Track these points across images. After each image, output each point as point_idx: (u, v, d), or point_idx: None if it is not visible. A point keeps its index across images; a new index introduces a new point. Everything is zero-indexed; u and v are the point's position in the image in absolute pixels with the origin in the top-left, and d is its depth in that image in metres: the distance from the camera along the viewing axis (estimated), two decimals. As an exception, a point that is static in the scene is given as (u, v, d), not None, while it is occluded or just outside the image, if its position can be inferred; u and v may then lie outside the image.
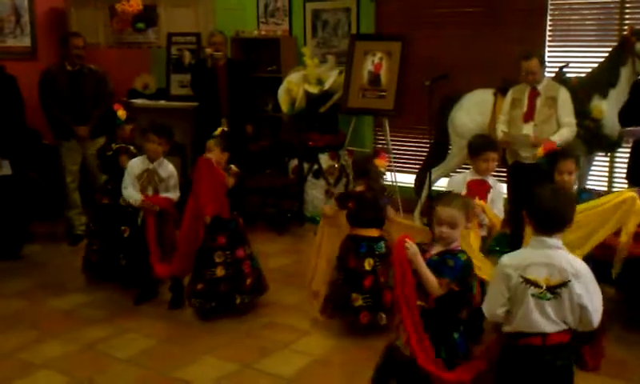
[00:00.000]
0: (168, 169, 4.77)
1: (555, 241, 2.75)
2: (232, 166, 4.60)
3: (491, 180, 4.18)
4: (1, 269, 5.55)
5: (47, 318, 4.66)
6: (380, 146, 7.04)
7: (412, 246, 2.91)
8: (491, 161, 4.16)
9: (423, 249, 2.99)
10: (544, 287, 2.69)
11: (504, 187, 4.24)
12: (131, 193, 4.70)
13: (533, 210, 2.81)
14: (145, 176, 4.73)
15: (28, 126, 6.08)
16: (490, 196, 4.12)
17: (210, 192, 4.43)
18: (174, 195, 4.79)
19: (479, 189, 4.12)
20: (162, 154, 4.76)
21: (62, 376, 3.89)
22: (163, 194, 4.74)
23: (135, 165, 4.76)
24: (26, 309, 4.83)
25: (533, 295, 2.69)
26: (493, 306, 2.79)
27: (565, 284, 2.69)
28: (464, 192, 4.11)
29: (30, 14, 7.10)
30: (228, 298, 4.55)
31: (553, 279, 2.69)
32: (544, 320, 2.71)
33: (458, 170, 5.80)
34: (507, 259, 2.80)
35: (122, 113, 5.05)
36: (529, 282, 2.70)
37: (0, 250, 5.78)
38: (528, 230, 3.92)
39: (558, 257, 2.73)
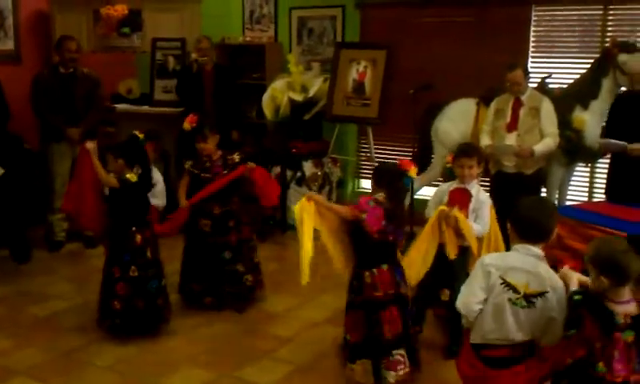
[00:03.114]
0: (154, 176, 4.72)
1: (539, 250, 2.78)
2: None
3: (474, 189, 4.13)
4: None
5: (25, 325, 4.61)
6: (363, 154, 7.06)
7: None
8: (466, 168, 4.08)
9: None
10: (522, 294, 2.72)
11: (486, 197, 4.18)
12: None
13: (516, 220, 2.84)
14: None
15: (9, 130, 6.02)
16: (471, 205, 4.08)
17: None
18: (160, 202, 4.75)
19: (460, 197, 4.10)
20: (152, 159, 4.72)
21: (38, 383, 3.85)
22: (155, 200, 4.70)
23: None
24: (3, 315, 4.78)
25: (509, 300, 2.72)
26: (470, 301, 2.81)
27: (542, 294, 2.72)
28: (445, 200, 4.13)
29: (13, 17, 7.04)
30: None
31: (531, 287, 2.72)
32: (516, 327, 2.74)
33: (440, 180, 5.80)
34: (489, 258, 2.84)
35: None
36: (508, 285, 2.72)
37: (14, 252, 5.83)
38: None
39: (539, 266, 2.76)
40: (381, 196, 3.78)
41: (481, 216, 4.06)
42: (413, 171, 3.87)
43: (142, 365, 4.09)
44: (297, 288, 4.69)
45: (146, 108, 7.20)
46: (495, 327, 2.76)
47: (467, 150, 4.19)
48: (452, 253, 3.92)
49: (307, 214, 3.70)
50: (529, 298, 2.71)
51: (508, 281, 2.72)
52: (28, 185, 6.15)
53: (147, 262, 4.36)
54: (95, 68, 6.32)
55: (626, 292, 2.56)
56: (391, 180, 3.85)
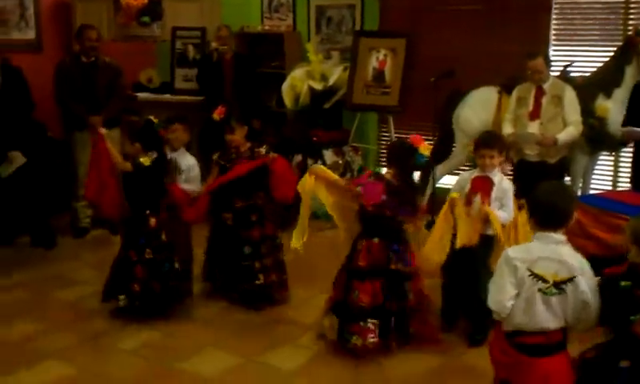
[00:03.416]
0: (188, 160, 4.73)
1: (561, 236, 2.77)
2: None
3: (497, 177, 4.10)
4: (6, 260, 5.55)
5: (52, 310, 4.68)
6: (384, 142, 7.05)
7: None
8: (487, 158, 4.05)
9: None
10: (551, 282, 2.70)
11: (510, 184, 4.15)
12: None
13: (535, 206, 2.83)
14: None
15: (33, 118, 6.08)
16: (493, 193, 4.06)
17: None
18: (195, 188, 4.73)
19: (482, 185, 4.07)
20: (183, 143, 4.76)
21: (66, 366, 3.93)
22: (185, 186, 4.67)
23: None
24: (31, 300, 4.85)
25: (539, 290, 2.70)
26: (502, 299, 2.75)
27: (571, 280, 2.70)
28: (468, 188, 4.13)
29: (34, 6, 7.08)
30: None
31: (560, 275, 2.70)
32: (548, 315, 2.72)
33: (463, 168, 5.80)
34: (514, 252, 2.80)
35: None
36: (536, 276, 2.70)
37: (36, 239, 5.91)
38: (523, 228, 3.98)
39: (565, 252, 2.74)
40: (389, 173, 4.01)
41: (506, 204, 4.04)
42: (424, 148, 4.00)
43: (167, 349, 4.14)
44: (318, 276, 4.77)
45: (167, 96, 7.25)
46: (527, 319, 2.73)
47: (488, 141, 4.15)
48: (461, 241, 3.91)
49: (307, 187, 4.11)
50: (558, 286, 2.70)
51: (536, 272, 2.70)
52: (52, 173, 6.20)
53: (161, 244, 4.42)
54: (115, 57, 6.35)
55: None
56: (400, 156, 4.08)
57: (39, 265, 5.50)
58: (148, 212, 4.40)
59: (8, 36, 6.82)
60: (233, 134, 4.66)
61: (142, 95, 7.18)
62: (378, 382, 3.83)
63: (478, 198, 4.04)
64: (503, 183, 4.11)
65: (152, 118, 4.51)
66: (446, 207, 4.00)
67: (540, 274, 2.70)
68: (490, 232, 4.01)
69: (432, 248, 4.00)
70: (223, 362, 3.98)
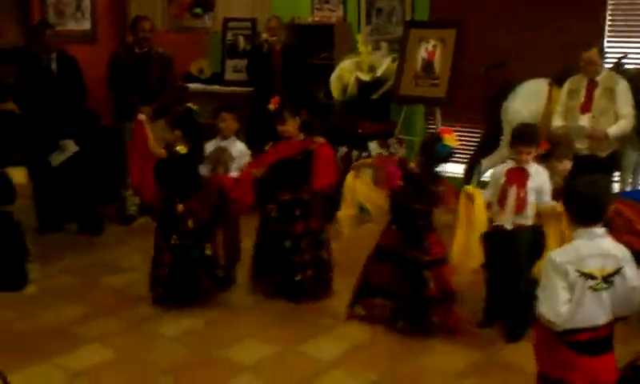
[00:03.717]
0: (239, 148, 4.77)
1: (601, 230, 2.71)
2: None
3: (532, 168, 4.05)
4: (55, 246, 5.72)
5: (98, 295, 4.81)
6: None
7: None
8: (525, 154, 4.02)
9: None
10: (600, 278, 2.65)
11: (547, 175, 4.09)
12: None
13: (572, 202, 2.76)
14: (215, 154, 4.74)
15: (87, 107, 6.24)
16: (529, 183, 4.01)
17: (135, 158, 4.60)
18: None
19: (518, 177, 4.04)
20: (234, 131, 4.81)
21: (107, 350, 4.03)
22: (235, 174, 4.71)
23: (208, 145, 4.80)
24: (77, 285, 4.99)
25: (590, 287, 2.65)
26: (555, 305, 2.64)
27: (618, 271, 2.67)
28: (502, 181, 4.08)
29: (90, -2, 7.27)
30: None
31: (607, 268, 2.66)
32: (599, 310, 2.68)
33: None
34: (560, 255, 2.67)
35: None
36: (586, 275, 2.64)
37: (84, 225, 6.05)
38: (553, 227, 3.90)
39: (607, 245, 2.70)
40: (415, 161, 4.19)
41: (546, 191, 4.02)
42: (449, 139, 4.05)
43: (208, 337, 4.21)
44: (357, 268, 4.75)
45: (216, 87, 7.35)
46: (578, 318, 2.67)
47: (525, 136, 4.09)
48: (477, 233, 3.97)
49: (348, 188, 4.41)
50: (607, 280, 2.66)
51: (585, 271, 2.64)
52: (103, 161, 6.36)
53: (188, 231, 4.47)
54: (168, 48, 6.46)
55: None
56: (425, 146, 4.21)
57: (87, 251, 5.65)
58: (177, 199, 4.47)
59: (64, 26, 7.01)
60: (285, 125, 4.61)
61: (192, 86, 7.29)
62: (415, 375, 3.82)
63: (513, 190, 4.01)
64: (539, 174, 4.07)
65: (191, 105, 4.58)
66: (462, 203, 4.00)
67: (589, 272, 2.64)
68: (528, 222, 4.01)
69: (461, 252, 4.00)
70: (262, 351, 4.03)
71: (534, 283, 3.84)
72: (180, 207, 4.47)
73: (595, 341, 2.70)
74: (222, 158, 4.74)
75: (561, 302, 2.63)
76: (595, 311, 2.67)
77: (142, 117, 4.58)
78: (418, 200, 4.11)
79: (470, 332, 4.21)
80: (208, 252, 4.56)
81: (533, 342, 2.88)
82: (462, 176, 6.26)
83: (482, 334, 4.21)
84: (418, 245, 4.13)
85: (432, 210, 4.18)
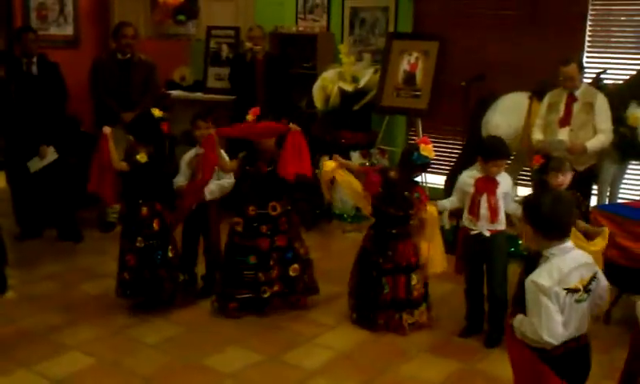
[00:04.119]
0: (221, 154, 4.73)
1: (570, 242, 2.75)
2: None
3: (499, 175, 4.21)
4: (35, 252, 5.68)
5: (78, 302, 4.77)
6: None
7: None
8: (500, 167, 4.18)
9: None
10: (582, 289, 2.70)
11: (509, 180, 4.32)
12: (177, 179, 4.78)
13: (542, 221, 2.72)
14: (195, 161, 4.74)
15: (68, 113, 6.20)
16: (499, 190, 4.16)
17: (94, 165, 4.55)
18: (226, 182, 4.76)
19: (487, 186, 4.17)
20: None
21: (88, 357, 4.01)
22: (213, 182, 4.70)
23: (188, 154, 4.84)
24: (57, 292, 4.95)
25: (575, 301, 2.69)
26: (555, 328, 2.64)
27: (594, 277, 2.74)
28: (472, 190, 4.19)
29: (73, 3, 7.24)
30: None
31: (585, 278, 2.71)
32: (584, 320, 2.75)
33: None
34: (546, 279, 2.64)
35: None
36: (571, 291, 2.67)
37: (63, 233, 6.02)
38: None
39: (579, 255, 2.75)
40: (395, 170, 4.37)
41: (511, 195, 4.27)
42: (426, 149, 4.22)
43: (189, 345, 4.20)
44: (341, 276, 4.78)
45: (199, 95, 7.34)
46: (567, 333, 2.71)
47: (498, 152, 4.21)
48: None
49: (327, 168, 4.59)
50: (587, 289, 2.72)
51: (570, 288, 2.67)
52: (83, 167, 6.30)
53: (153, 233, 4.49)
54: (151, 54, 6.45)
55: None
56: (403, 154, 4.40)
57: (67, 258, 5.62)
58: (141, 201, 4.49)
59: (47, 31, 6.98)
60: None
61: (174, 93, 7.29)
62: (397, 384, 3.85)
63: (484, 198, 4.14)
64: (506, 179, 4.27)
65: (154, 109, 4.60)
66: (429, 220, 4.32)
67: (574, 287, 2.68)
68: (502, 227, 4.18)
69: (429, 254, 4.36)
70: (244, 360, 4.02)
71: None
72: (144, 209, 4.48)
73: (577, 348, 2.75)
74: (200, 165, 4.72)
75: (558, 323, 2.64)
76: (581, 322, 2.73)
77: (106, 130, 4.51)
78: (392, 204, 4.31)
79: (451, 342, 4.29)
80: (170, 254, 4.57)
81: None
82: (442, 187, 6.32)
83: (463, 344, 4.27)
84: (384, 252, 4.35)
85: (407, 219, 4.33)
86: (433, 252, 4.39)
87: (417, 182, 4.47)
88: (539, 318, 2.63)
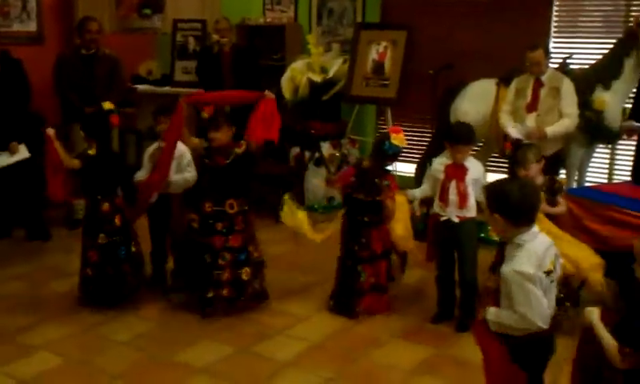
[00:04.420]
0: (179, 148, 4.68)
1: (536, 227, 2.77)
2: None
3: (469, 162, 4.25)
4: (3, 252, 5.60)
5: (47, 301, 4.70)
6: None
7: (590, 313, 2.63)
8: (464, 153, 4.20)
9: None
10: (553, 269, 2.72)
11: (479, 167, 4.33)
12: (139, 173, 4.76)
13: (510, 209, 2.70)
14: (156, 155, 4.70)
15: (32, 110, 6.09)
16: (468, 177, 4.19)
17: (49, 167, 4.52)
18: (189, 175, 4.71)
19: (456, 172, 4.20)
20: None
21: (59, 357, 3.94)
22: (176, 175, 4.66)
23: (150, 148, 4.82)
24: (26, 291, 4.88)
25: (551, 281, 2.71)
26: (545, 312, 2.65)
27: (557, 256, 2.77)
28: (442, 176, 4.23)
29: (36, -2, 7.10)
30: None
31: (553, 259, 2.73)
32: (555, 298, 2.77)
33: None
34: (528, 266, 2.63)
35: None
36: (547, 272, 2.69)
37: (31, 232, 5.95)
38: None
39: (545, 238, 2.77)
40: (367, 158, 4.45)
41: (483, 183, 4.13)
42: (397, 138, 4.27)
43: (160, 340, 4.16)
44: (311, 268, 4.78)
45: (166, 89, 7.27)
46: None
47: (462, 138, 4.22)
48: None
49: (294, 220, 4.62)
50: (555, 269, 2.74)
51: (547, 270, 2.69)
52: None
53: (115, 229, 4.46)
54: (116, 49, 6.36)
55: None
56: (374, 144, 4.46)
57: (35, 257, 5.54)
58: (100, 197, 4.46)
59: (9, 28, 6.83)
60: (217, 131, 4.37)
61: (141, 87, 7.20)
62: (371, 372, 3.84)
63: (453, 185, 4.18)
64: (476, 166, 4.30)
65: (106, 103, 4.59)
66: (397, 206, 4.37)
67: (548, 269, 2.70)
68: (472, 214, 4.20)
69: (397, 233, 4.46)
70: (216, 353, 3.99)
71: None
72: (106, 205, 4.45)
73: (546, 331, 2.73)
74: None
75: (546, 308, 2.66)
76: (554, 301, 2.75)
77: (50, 131, 4.47)
78: (362, 191, 4.35)
79: (423, 328, 4.31)
80: (133, 249, 4.54)
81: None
82: (413, 175, 6.33)
83: (435, 330, 4.29)
84: (358, 239, 4.38)
85: (377, 206, 4.35)
86: (399, 233, 4.47)
87: (388, 171, 4.49)
88: (529, 307, 2.61)
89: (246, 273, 4.43)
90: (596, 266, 3.99)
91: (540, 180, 4.14)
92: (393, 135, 4.31)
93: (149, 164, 4.74)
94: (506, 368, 2.73)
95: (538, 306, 2.62)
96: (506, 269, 2.66)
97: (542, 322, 2.64)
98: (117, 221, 4.47)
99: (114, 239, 4.46)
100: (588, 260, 3.98)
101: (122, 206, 4.52)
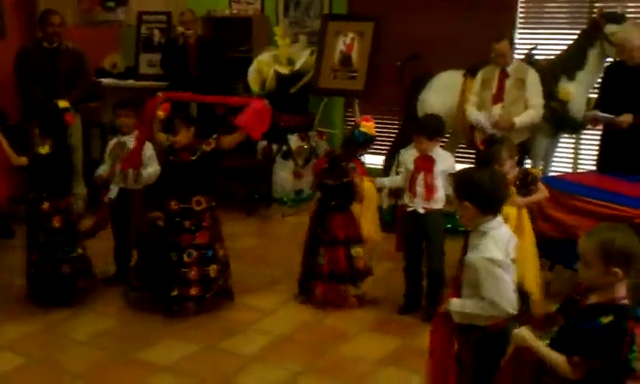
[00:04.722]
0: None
1: (500, 217, 2.77)
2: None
3: (437, 153, 4.25)
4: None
5: (4, 300, 4.58)
6: (350, 127, 7.01)
7: (522, 331, 2.42)
8: (426, 144, 4.20)
9: (575, 299, 2.39)
10: (514, 261, 2.72)
11: (449, 158, 4.35)
12: (101, 167, 4.72)
13: (481, 196, 2.68)
14: (115, 149, 4.67)
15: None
16: (436, 169, 4.20)
17: None
18: (152, 169, 4.64)
19: (425, 164, 4.22)
20: (132, 127, 4.67)
21: (18, 357, 3.85)
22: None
23: (110, 142, 4.79)
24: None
25: (513, 270, 2.70)
26: (513, 298, 2.64)
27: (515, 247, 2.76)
28: (411, 167, 4.24)
29: (-4, -8, 6.95)
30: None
31: (514, 248, 2.73)
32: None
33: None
34: (496, 253, 2.62)
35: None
36: (512, 260, 2.70)
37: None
38: None
39: (506, 228, 2.79)
40: (339, 149, 4.57)
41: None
42: (367, 126, 4.34)
43: (123, 338, 4.09)
44: (280, 261, 4.74)
45: (131, 82, 7.17)
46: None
47: (422, 129, 4.27)
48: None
49: None
50: (513, 261, 2.72)
51: (512, 257, 2.70)
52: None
53: (54, 229, 4.37)
54: (79, 42, 6.26)
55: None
56: (346, 134, 4.57)
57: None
58: (45, 195, 4.38)
59: (-31, 23, 6.69)
60: (176, 135, 4.29)
61: (105, 81, 7.09)
62: (338, 364, 3.82)
63: (421, 176, 4.20)
64: (446, 158, 4.30)
65: (61, 101, 4.51)
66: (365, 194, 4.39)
67: (512, 256, 2.70)
68: (439, 206, 4.23)
69: (367, 228, 4.42)
70: (180, 351, 3.93)
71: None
72: (46, 205, 4.37)
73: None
74: (121, 153, 4.64)
75: (514, 294, 2.66)
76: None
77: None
78: (331, 176, 4.43)
79: (391, 319, 4.31)
80: (80, 251, 4.47)
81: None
82: (381, 167, 6.32)
83: (402, 321, 4.29)
84: (321, 223, 4.45)
85: (345, 190, 4.40)
86: (366, 221, 4.44)
87: (355, 155, 4.50)
88: (499, 293, 2.59)
89: (213, 270, 4.35)
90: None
91: (513, 173, 4.13)
92: (363, 123, 4.38)
93: (109, 159, 4.69)
94: (451, 363, 2.74)
95: (506, 292, 2.62)
96: (473, 256, 2.64)
97: (512, 308, 2.63)
98: (55, 222, 4.37)
99: (53, 239, 4.37)
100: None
101: (66, 208, 4.44)
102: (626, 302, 2.26)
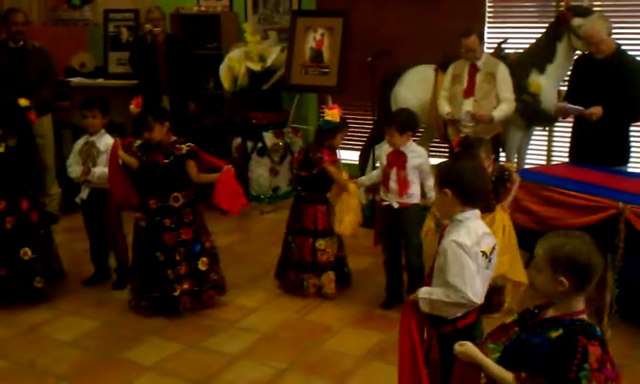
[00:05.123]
0: (107, 141, 4.58)
1: (478, 210, 2.73)
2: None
3: (409, 148, 4.29)
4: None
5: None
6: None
7: (465, 347, 2.32)
8: (396, 138, 4.23)
9: (533, 311, 2.29)
10: (488, 256, 2.64)
11: (422, 152, 4.36)
12: (72, 168, 4.65)
13: (464, 187, 2.66)
14: (84, 150, 4.63)
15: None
16: (408, 163, 4.25)
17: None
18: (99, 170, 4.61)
19: (396, 159, 4.28)
20: (99, 126, 4.63)
21: (3, 360, 3.81)
22: (101, 168, 4.56)
23: (78, 142, 4.73)
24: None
25: (484, 267, 2.63)
26: (477, 287, 2.58)
27: (494, 248, 2.68)
28: (384, 163, 4.32)
29: (-42, -10, 6.81)
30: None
31: (490, 246, 2.66)
32: (484, 289, 2.66)
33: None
34: (467, 239, 2.58)
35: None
36: (484, 254, 2.62)
37: None
38: None
39: (484, 224, 2.73)
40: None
41: (427, 170, 4.31)
42: (331, 114, 4.49)
43: (107, 338, 4.07)
44: (261, 258, 4.74)
45: (100, 81, 7.09)
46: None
47: (392, 121, 4.31)
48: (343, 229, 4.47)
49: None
50: (489, 258, 2.65)
51: (483, 250, 2.61)
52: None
53: (5, 230, 4.35)
54: (46, 41, 6.15)
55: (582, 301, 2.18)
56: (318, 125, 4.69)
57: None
58: (2, 194, 4.37)
59: None
60: (151, 132, 4.25)
61: (75, 80, 6.99)
62: (324, 360, 3.84)
63: (394, 172, 4.25)
64: (418, 153, 4.33)
65: (22, 99, 4.47)
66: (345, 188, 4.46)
67: (484, 251, 2.62)
68: (413, 200, 4.28)
69: (342, 225, 4.46)
70: (164, 350, 3.92)
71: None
72: (1, 204, 4.36)
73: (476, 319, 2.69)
74: (90, 152, 4.61)
75: (479, 284, 2.59)
76: (485, 290, 2.66)
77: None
78: (303, 168, 4.57)
79: (373, 314, 4.35)
80: (26, 257, 4.40)
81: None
82: (356, 162, 6.36)
83: (384, 315, 4.32)
84: (294, 212, 4.65)
85: (316, 181, 4.52)
86: (345, 214, 4.45)
87: (324, 145, 4.53)
88: (462, 277, 2.54)
89: (202, 263, 4.36)
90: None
91: (490, 171, 4.17)
92: (326, 111, 4.55)
93: (78, 157, 4.64)
94: (419, 355, 2.69)
95: (470, 278, 2.55)
96: (444, 241, 2.63)
97: (474, 296, 2.55)
98: (7, 223, 4.34)
99: (3, 240, 4.33)
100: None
101: (20, 208, 4.40)
102: (583, 317, 2.12)
